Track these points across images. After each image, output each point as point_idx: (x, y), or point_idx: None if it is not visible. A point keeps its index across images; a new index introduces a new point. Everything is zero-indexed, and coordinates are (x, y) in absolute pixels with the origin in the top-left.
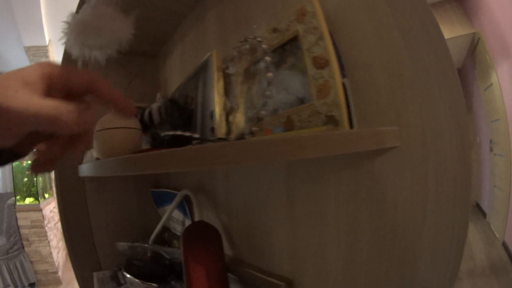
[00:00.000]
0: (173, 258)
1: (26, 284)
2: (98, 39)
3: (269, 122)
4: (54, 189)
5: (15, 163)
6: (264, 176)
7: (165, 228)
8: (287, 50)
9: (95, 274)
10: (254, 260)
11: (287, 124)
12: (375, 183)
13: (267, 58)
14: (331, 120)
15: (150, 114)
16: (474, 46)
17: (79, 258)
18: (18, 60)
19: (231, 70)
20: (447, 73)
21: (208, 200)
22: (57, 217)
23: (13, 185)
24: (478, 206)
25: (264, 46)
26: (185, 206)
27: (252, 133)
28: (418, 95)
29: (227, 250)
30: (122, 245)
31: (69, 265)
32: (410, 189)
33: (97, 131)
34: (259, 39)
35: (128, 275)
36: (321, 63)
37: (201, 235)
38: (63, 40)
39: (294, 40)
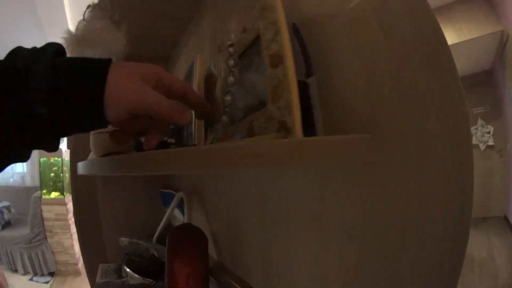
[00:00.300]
0: (162, 257)
1: (45, 272)
2: (93, 52)
3: (237, 128)
4: None
5: (42, 159)
6: (241, 180)
7: (170, 226)
8: (253, 50)
9: (100, 266)
10: (234, 268)
11: (249, 130)
12: (342, 196)
13: (230, 62)
14: (283, 126)
15: None
16: (503, 45)
17: (88, 250)
18: None
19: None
20: (441, 65)
21: (199, 203)
22: None
23: (40, 179)
24: (506, 219)
25: (230, 49)
26: (183, 207)
27: (218, 140)
28: (399, 95)
29: (214, 254)
30: (123, 241)
31: None
32: (384, 209)
33: (94, 134)
34: (228, 42)
35: (128, 270)
36: (276, 61)
37: (187, 238)
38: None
39: (257, 38)
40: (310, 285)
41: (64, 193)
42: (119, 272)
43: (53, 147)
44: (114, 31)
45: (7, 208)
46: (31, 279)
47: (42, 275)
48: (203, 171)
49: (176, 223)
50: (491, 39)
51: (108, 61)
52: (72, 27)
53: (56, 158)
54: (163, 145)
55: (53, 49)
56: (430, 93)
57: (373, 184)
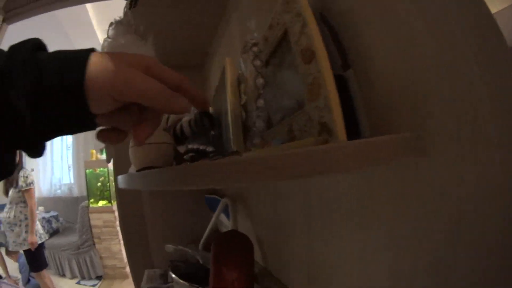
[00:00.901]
0: (207, 264)
1: (93, 276)
2: None
3: (276, 132)
4: None
5: (88, 171)
6: (286, 188)
7: (217, 231)
8: (283, 47)
9: (146, 271)
10: (279, 273)
11: (289, 134)
12: (390, 199)
13: (256, 62)
14: (324, 128)
15: (182, 127)
16: None
17: (134, 256)
18: None
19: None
20: (494, 52)
21: (244, 209)
22: None
23: (87, 189)
24: None
25: (254, 49)
26: (227, 212)
27: (256, 146)
28: (448, 86)
29: (259, 260)
30: (169, 247)
31: None
32: (434, 212)
33: (131, 147)
34: (252, 41)
35: (173, 275)
36: (308, 56)
37: (232, 244)
38: None
39: (285, 34)
40: None
41: (112, 201)
42: (164, 277)
43: (38, 152)
44: (140, 45)
45: (55, 217)
46: (78, 283)
47: (90, 279)
48: (247, 183)
49: (223, 229)
50: None
51: (89, 50)
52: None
53: (102, 169)
54: (201, 154)
55: (31, 44)
56: (484, 83)
57: (422, 185)
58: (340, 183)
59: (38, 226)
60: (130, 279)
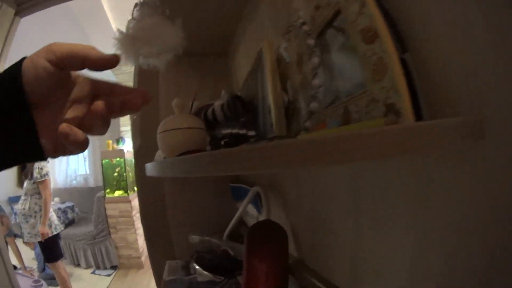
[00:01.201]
0: (237, 254)
1: (108, 266)
2: (150, 49)
3: (327, 115)
4: None
5: (105, 161)
6: (329, 175)
7: (242, 222)
8: (334, 28)
9: (167, 263)
10: (316, 266)
11: (344, 116)
12: (455, 185)
13: (310, 42)
14: (391, 110)
15: (214, 112)
16: None
17: (154, 247)
18: (101, 72)
19: (287, 60)
20: None
21: (278, 199)
22: None
23: (103, 179)
24: None
25: (305, 27)
26: (258, 202)
27: (306, 129)
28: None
29: (293, 252)
30: (194, 238)
31: None
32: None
33: (160, 132)
34: (300, 20)
35: (197, 266)
36: (370, 36)
37: (266, 234)
38: (119, 53)
39: (338, 13)
40: None
41: (128, 191)
42: (187, 269)
43: None
44: (168, 26)
45: (71, 208)
46: (93, 272)
47: (105, 268)
48: (307, 166)
49: (249, 219)
50: None
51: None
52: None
53: (118, 159)
54: (242, 138)
55: None
56: None
57: (479, 170)
58: (393, 169)
59: (54, 217)
60: (145, 269)
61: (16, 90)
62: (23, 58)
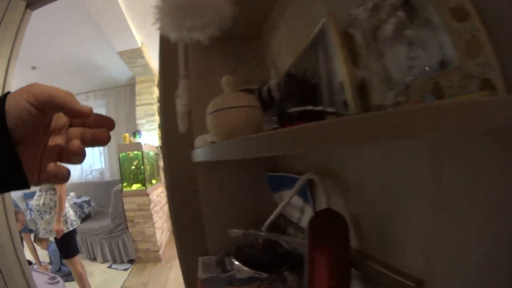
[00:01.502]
0: (291, 248)
1: (125, 260)
2: (198, 19)
3: (414, 91)
4: (162, 175)
5: (122, 154)
6: (403, 158)
7: (280, 215)
8: (414, 4)
9: (200, 259)
10: (382, 255)
11: (434, 91)
12: None
13: (400, 14)
14: (487, 84)
15: (269, 91)
16: None
17: (185, 242)
18: (116, 65)
19: (355, 35)
20: None
21: (336, 185)
22: (163, 200)
23: (120, 173)
24: None
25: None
26: (307, 191)
27: (398, 104)
28: None
29: (353, 242)
30: (235, 232)
31: (171, 244)
32: None
33: (211, 112)
34: None
35: (236, 262)
36: (460, 15)
37: (329, 224)
38: (157, 25)
39: None
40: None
41: (146, 184)
42: (222, 265)
43: None
44: None
45: (87, 202)
46: (109, 267)
47: (122, 262)
48: (437, 133)
49: (290, 209)
50: None
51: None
52: (134, 29)
53: (136, 152)
54: (319, 115)
55: None
56: None
57: None
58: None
59: (70, 212)
60: (163, 263)
61: (1, 129)
62: (7, 94)
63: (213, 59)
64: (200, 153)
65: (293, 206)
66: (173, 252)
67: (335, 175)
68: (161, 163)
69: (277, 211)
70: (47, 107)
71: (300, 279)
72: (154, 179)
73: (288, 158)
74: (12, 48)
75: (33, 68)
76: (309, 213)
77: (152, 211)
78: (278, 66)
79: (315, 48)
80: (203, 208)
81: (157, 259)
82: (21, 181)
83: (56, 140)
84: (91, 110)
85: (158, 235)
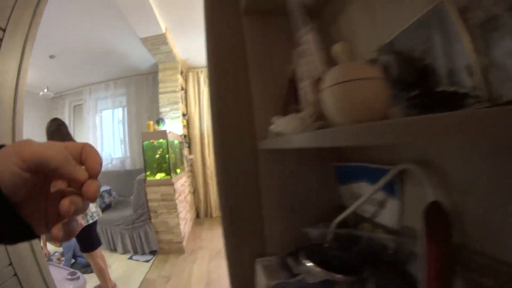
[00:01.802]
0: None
1: (147, 251)
2: None
3: None
4: (185, 164)
5: (145, 143)
6: None
7: (343, 208)
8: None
9: (259, 261)
10: (487, 248)
11: None
12: None
13: None
14: None
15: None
16: None
17: (237, 240)
18: (138, 52)
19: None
20: None
21: (432, 177)
22: (187, 190)
23: (144, 162)
24: None
25: None
26: (395, 183)
27: None
28: None
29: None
30: (312, 231)
31: (194, 235)
32: None
33: (334, 84)
34: None
35: (308, 263)
36: None
37: (439, 218)
38: None
39: None
40: None
41: (171, 174)
42: (286, 267)
43: None
44: None
45: (108, 192)
46: (130, 258)
47: (143, 253)
48: None
49: (368, 205)
50: None
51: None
52: (158, 14)
53: (160, 141)
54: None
55: None
56: None
57: None
58: None
59: (90, 204)
60: (186, 255)
61: None
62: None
63: (270, 38)
64: (307, 138)
65: (369, 199)
66: (196, 243)
67: (432, 164)
68: (185, 152)
69: (357, 204)
70: (40, 170)
71: (384, 280)
72: (178, 168)
73: (363, 146)
74: (27, 36)
75: (51, 57)
76: (393, 207)
77: (177, 201)
78: (356, 45)
79: (427, 27)
80: (264, 203)
81: (180, 251)
82: (29, 235)
83: (58, 184)
84: (87, 175)
85: (181, 226)
